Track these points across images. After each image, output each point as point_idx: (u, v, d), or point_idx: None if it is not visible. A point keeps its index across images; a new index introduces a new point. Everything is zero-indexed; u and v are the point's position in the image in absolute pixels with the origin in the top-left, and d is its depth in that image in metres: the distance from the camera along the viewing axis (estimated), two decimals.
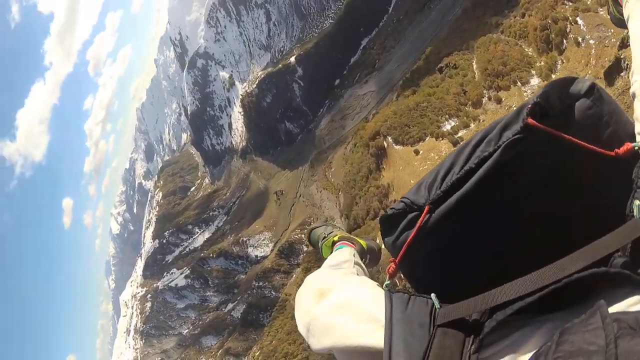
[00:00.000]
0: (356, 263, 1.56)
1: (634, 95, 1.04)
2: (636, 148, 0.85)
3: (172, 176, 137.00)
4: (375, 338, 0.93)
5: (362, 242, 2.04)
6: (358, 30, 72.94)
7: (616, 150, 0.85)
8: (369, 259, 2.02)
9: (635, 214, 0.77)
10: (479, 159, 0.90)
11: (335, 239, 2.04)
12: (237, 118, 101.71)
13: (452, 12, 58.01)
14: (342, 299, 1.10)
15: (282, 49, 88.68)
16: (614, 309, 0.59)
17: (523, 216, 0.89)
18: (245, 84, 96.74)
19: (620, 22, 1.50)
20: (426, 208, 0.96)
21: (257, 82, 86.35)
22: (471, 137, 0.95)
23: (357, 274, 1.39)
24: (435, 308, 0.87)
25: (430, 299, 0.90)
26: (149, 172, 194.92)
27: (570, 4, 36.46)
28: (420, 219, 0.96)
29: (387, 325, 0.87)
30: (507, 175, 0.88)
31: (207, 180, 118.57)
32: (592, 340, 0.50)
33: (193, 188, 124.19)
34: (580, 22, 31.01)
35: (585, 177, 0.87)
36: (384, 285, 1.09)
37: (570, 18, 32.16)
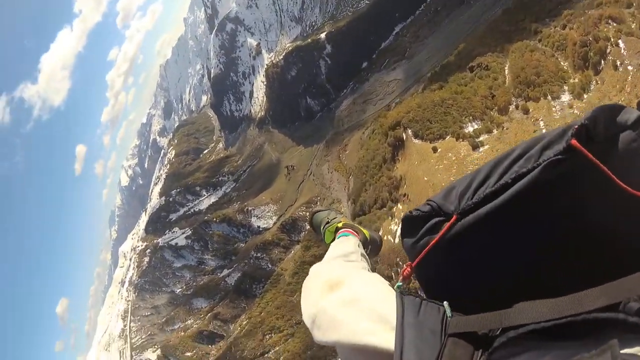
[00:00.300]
0: (362, 255, 1.56)
1: None
2: None
3: (187, 136, 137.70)
4: (383, 338, 0.92)
5: (365, 231, 2.03)
6: (393, 15, 71.41)
7: None
8: (370, 250, 2.01)
9: None
10: (516, 174, 0.87)
11: (339, 225, 2.02)
12: (259, 87, 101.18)
13: (492, 11, 56.64)
14: (353, 294, 1.09)
15: (313, 23, 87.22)
16: (624, 351, 0.59)
17: (549, 239, 0.86)
18: (272, 54, 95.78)
19: None
20: (454, 217, 0.95)
21: (284, 54, 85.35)
22: (511, 150, 0.93)
23: (365, 266, 1.40)
24: (447, 316, 0.88)
25: (442, 306, 0.90)
26: (164, 129, 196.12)
27: (615, 24, 35.30)
28: (447, 226, 0.95)
29: (398, 328, 0.87)
30: (541, 196, 0.86)
31: (221, 145, 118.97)
32: None
33: (206, 151, 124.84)
34: (621, 45, 30.58)
35: (618, 212, 0.84)
36: (395, 287, 1.08)
37: (613, 39, 31.51)
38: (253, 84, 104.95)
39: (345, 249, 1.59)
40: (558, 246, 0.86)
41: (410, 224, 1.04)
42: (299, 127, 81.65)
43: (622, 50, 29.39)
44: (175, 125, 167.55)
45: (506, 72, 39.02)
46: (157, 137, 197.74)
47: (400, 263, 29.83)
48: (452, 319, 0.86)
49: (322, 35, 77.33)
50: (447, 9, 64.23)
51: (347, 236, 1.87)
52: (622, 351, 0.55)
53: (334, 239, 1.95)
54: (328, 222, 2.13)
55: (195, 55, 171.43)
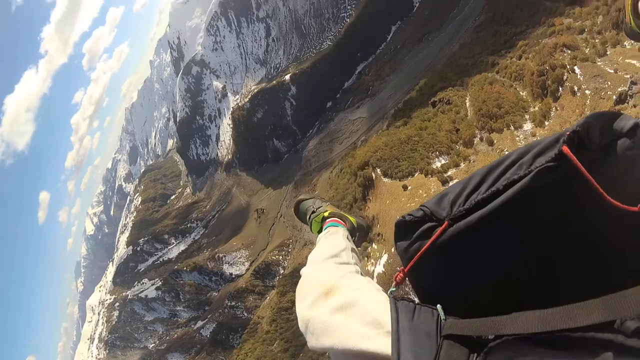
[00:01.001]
0: (352, 250, 1.60)
1: None
2: None
3: (154, 182, 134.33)
4: (378, 343, 0.93)
5: (352, 219, 2.01)
6: (355, 55, 73.16)
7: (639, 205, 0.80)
8: (358, 237, 2.00)
9: None
10: (507, 181, 0.88)
11: (326, 214, 1.98)
12: (225, 130, 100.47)
13: (450, 46, 58.65)
14: (347, 300, 1.10)
15: (278, 65, 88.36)
16: None
17: (541, 245, 0.87)
18: (237, 96, 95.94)
19: (637, 36, 1.50)
20: (446, 222, 0.95)
21: (249, 97, 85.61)
22: (504, 157, 0.94)
23: (358, 267, 1.41)
24: (441, 319, 0.90)
25: (436, 309, 0.92)
26: (130, 175, 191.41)
27: (569, 51, 36.77)
28: (439, 231, 0.96)
29: (394, 332, 0.89)
30: (532, 203, 0.86)
31: (188, 190, 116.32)
32: None
33: (173, 196, 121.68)
34: (577, 71, 31.16)
35: (608, 225, 0.83)
36: (389, 292, 1.10)
37: (568, 66, 32.32)
38: (219, 127, 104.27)
39: (335, 247, 1.56)
40: (547, 254, 0.86)
41: (403, 229, 1.05)
42: (267, 169, 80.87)
43: (579, 76, 30.27)
44: (142, 171, 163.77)
45: (468, 105, 39.80)
46: (123, 183, 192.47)
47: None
48: (447, 321, 0.88)
49: (287, 77, 78.23)
50: (407, 47, 66.24)
51: (336, 226, 1.84)
52: None
53: (321, 229, 1.91)
54: (314, 212, 2.06)
55: (161, 98, 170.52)
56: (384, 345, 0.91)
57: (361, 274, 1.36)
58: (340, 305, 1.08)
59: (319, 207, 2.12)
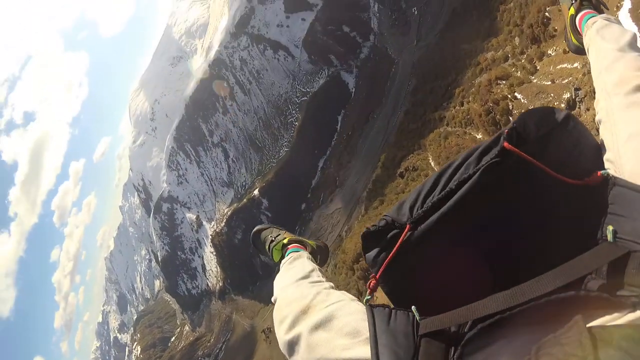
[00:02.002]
0: (319, 270, 1.62)
1: (599, 122, 1.10)
2: (605, 175, 0.91)
3: (150, 327, 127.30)
4: (358, 351, 0.97)
5: (311, 242, 2.05)
6: (313, 152, 75.45)
7: (586, 179, 0.91)
8: (320, 259, 2.03)
9: (608, 237, 0.80)
10: (458, 180, 0.95)
11: (285, 241, 2.01)
12: (209, 259, 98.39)
13: (395, 116, 61.02)
14: (325, 315, 1.13)
15: (244, 183, 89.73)
16: (590, 324, 0.63)
17: (501, 236, 0.93)
18: (213, 223, 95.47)
19: (579, 50, 1.61)
20: (407, 226, 1.00)
21: (225, 220, 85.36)
22: (452, 160, 1.00)
23: (332, 285, 1.43)
24: (417, 320, 0.93)
25: (411, 312, 0.95)
26: (123, 325, 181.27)
27: (504, 82, 38.72)
28: (402, 236, 1.01)
29: (372, 337, 0.92)
30: (485, 197, 0.93)
31: (187, 328, 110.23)
32: (571, 352, 0.53)
33: (173, 338, 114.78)
34: (519, 96, 32.56)
35: (560, 202, 0.91)
36: (364, 300, 1.14)
37: (509, 95, 33.63)
38: (203, 257, 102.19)
39: (304, 269, 1.58)
40: (508, 241, 0.92)
41: (369, 240, 1.09)
42: (262, 286, 78.27)
43: (522, 100, 31.27)
44: (134, 318, 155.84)
45: (432, 164, 40.38)
46: (118, 335, 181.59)
47: None
48: (422, 321, 0.91)
49: (256, 192, 79.17)
50: (357, 130, 69.11)
51: (298, 252, 1.86)
52: (588, 325, 0.58)
53: (282, 256, 1.93)
54: (273, 241, 2.08)
55: (138, 241, 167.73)
56: (364, 352, 0.94)
57: (331, 286, 1.38)
58: (318, 321, 1.11)
59: (277, 236, 2.11)
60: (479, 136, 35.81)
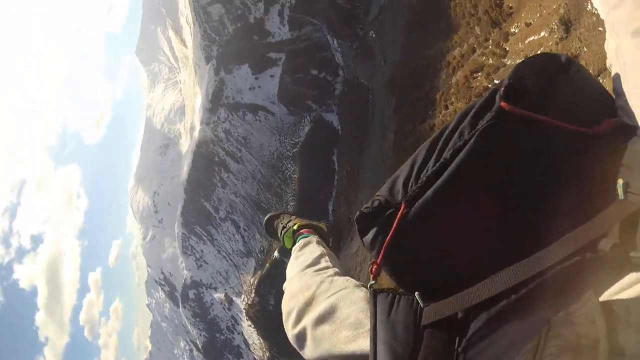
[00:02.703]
0: (328, 254, 1.62)
1: (610, 66, 1.03)
2: (619, 122, 0.82)
3: None
4: (361, 344, 0.96)
5: (322, 225, 2.05)
6: (319, 199, 74.30)
7: (595, 127, 0.81)
8: (332, 241, 2.01)
9: (619, 192, 0.74)
10: (452, 149, 0.86)
11: (295, 227, 2.03)
12: (249, 332, 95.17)
13: (387, 140, 59.93)
14: (328, 307, 1.12)
15: (261, 248, 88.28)
16: (603, 297, 0.58)
17: (506, 205, 0.83)
18: (243, 296, 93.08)
19: None
20: (403, 204, 0.93)
21: (253, 291, 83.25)
22: (443, 128, 0.92)
23: (337, 271, 1.37)
24: (420, 307, 0.88)
25: (415, 297, 0.90)
26: None
27: (479, 73, 38.07)
28: (398, 215, 0.93)
29: (372, 330, 0.89)
30: (483, 165, 0.84)
31: None
32: (583, 333, 0.49)
33: None
34: (498, 82, 31.42)
35: (567, 159, 0.82)
36: (368, 285, 1.06)
37: (490, 85, 33.10)
38: (242, 333, 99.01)
39: (310, 256, 1.56)
40: (513, 210, 0.82)
41: (364, 222, 1.02)
42: None
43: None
44: None
45: None
46: None
47: None
48: (426, 308, 0.86)
49: (276, 254, 77.63)
50: (355, 163, 68.98)
51: (307, 237, 1.87)
52: (601, 297, 0.55)
53: (294, 243, 1.95)
54: (284, 227, 2.09)
55: (173, 334, 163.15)
56: (367, 344, 0.90)
57: (338, 271, 1.33)
58: (321, 313, 1.10)
59: (288, 222, 2.09)
60: None
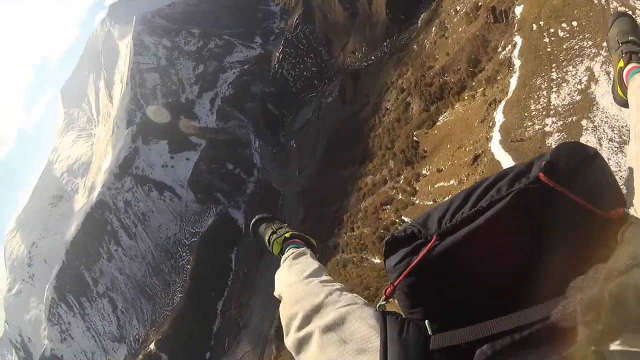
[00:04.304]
0: (324, 267, 1.63)
1: (629, 167, 1.11)
2: (625, 212, 0.92)
3: None
4: (369, 358, 0.97)
5: (313, 240, 2.01)
6: (210, 295, 68.26)
7: (610, 213, 0.91)
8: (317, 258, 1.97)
9: None
10: (490, 200, 0.94)
11: (287, 235, 1.97)
12: None
13: None
14: (337, 317, 1.13)
15: (137, 336, 77.74)
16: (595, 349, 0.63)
17: (523, 258, 0.92)
18: None
19: (624, 103, 1.60)
20: (434, 237, 0.98)
21: None
22: (483, 180, 1.00)
23: (344, 287, 1.40)
24: (429, 334, 0.92)
25: (424, 324, 0.94)
26: None
27: (389, 206, 37.64)
28: (428, 246, 0.98)
29: (382, 345, 0.92)
30: (514, 219, 0.93)
31: None
32: None
33: None
34: (406, 219, 32.50)
35: (583, 230, 0.92)
36: (377, 306, 1.10)
37: (397, 220, 33.84)
38: None
39: (311, 266, 1.55)
40: (530, 262, 0.92)
41: (393, 246, 1.05)
42: None
43: (408, 222, 31.99)
44: None
45: None
46: None
47: None
48: (434, 336, 0.90)
49: (152, 346, 69.02)
50: (253, 266, 64.50)
51: (299, 248, 1.83)
52: (593, 348, 0.58)
53: (281, 250, 1.91)
54: (274, 232, 2.02)
55: None
56: (374, 359, 0.93)
57: (340, 286, 1.35)
58: (330, 322, 1.10)
59: (279, 228, 2.02)
60: (377, 261, 35.35)
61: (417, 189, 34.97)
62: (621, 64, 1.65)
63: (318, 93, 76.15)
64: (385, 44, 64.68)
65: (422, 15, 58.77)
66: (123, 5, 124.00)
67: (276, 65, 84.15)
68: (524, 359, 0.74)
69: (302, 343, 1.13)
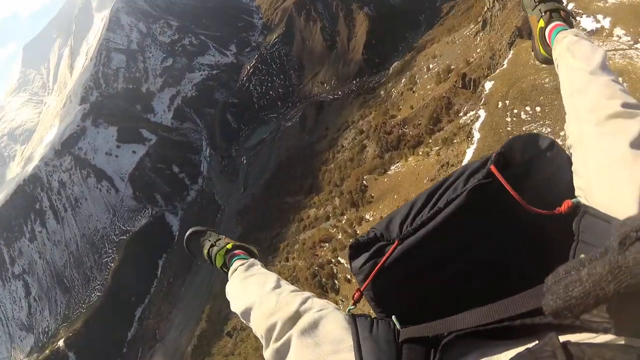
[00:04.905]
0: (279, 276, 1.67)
1: (570, 147, 1.09)
2: (576, 204, 0.89)
3: None
4: (344, 357, 0.98)
5: (254, 249, 1.94)
6: (129, 300, 64.54)
7: (557, 209, 0.89)
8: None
9: None
10: (447, 200, 0.96)
11: (229, 247, 1.87)
12: None
13: (216, 268, 55.50)
14: (312, 322, 1.14)
15: (46, 329, 72.20)
16: (564, 341, 0.62)
17: (482, 255, 0.95)
18: None
19: (547, 61, 1.58)
20: (396, 242, 1.01)
21: None
22: (443, 180, 1.02)
23: (313, 294, 1.39)
24: (397, 328, 0.94)
25: (392, 321, 0.97)
26: None
27: (327, 244, 36.70)
28: (390, 250, 1.01)
29: (355, 343, 0.94)
30: (469, 218, 0.94)
31: None
32: None
33: None
34: (342, 260, 32.17)
35: (535, 227, 0.92)
36: (347, 310, 1.13)
37: (333, 260, 33.67)
38: None
39: (270, 278, 1.48)
40: (487, 258, 0.94)
41: (357, 250, 1.09)
42: None
43: (346, 264, 30.66)
44: None
45: None
46: None
47: None
48: (403, 329, 0.93)
49: (61, 343, 64.24)
50: (180, 278, 61.47)
51: (246, 259, 1.74)
52: (563, 340, 0.58)
53: (224, 263, 1.82)
54: (213, 245, 1.91)
55: None
56: (349, 358, 0.95)
57: (316, 297, 1.34)
58: (305, 327, 1.11)
59: (217, 240, 1.90)
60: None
61: (358, 232, 34.43)
62: (541, 23, 1.57)
63: (279, 115, 74.74)
64: (355, 82, 64.46)
65: (395, 64, 59.15)
66: None
67: (244, 78, 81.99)
68: (488, 348, 0.76)
69: (280, 352, 1.13)
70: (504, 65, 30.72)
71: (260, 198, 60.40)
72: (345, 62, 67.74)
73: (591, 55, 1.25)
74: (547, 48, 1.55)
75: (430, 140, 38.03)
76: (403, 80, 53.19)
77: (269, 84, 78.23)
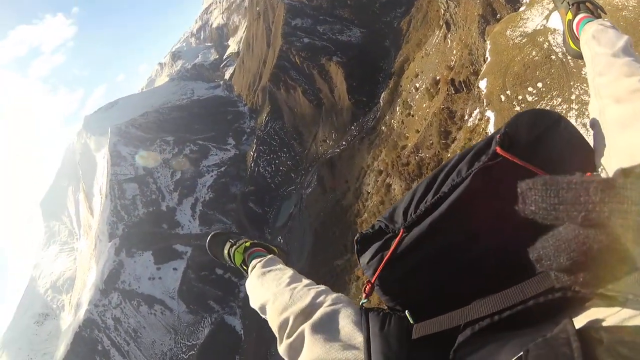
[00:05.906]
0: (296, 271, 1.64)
1: (592, 126, 1.05)
2: (596, 175, 0.82)
3: None
4: (354, 353, 0.96)
5: (274, 247, 1.91)
6: None
7: None
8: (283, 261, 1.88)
9: None
10: (451, 185, 0.90)
11: (247, 245, 1.86)
12: None
13: None
14: (324, 317, 1.12)
15: None
16: (580, 327, 0.59)
17: (493, 240, 0.88)
18: None
19: (577, 55, 1.52)
20: (401, 231, 0.96)
21: None
22: (444, 164, 0.96)
23: (327, 288, 1.38)
24: (411, 323, 0.90)
25: (405, 315, 0.92)
26: None
27: None
28: (396, 240, 0.96)
29: (365, 341, 0.90)
30: (477, 201, 0.88)
31: None
32: (562, 352, 0.50)
33: None
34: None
35: None
36: (360, 304, 1.08)
37: None
38: None
39: (286, 273, 1.46)
40: (499, 243, 0.87)
41: (363, 243, 1.05)
42: None
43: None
44: None
45: None
46: None
47: None
48: (415, 325, 0.89)
49: None
50: None
51: (264, 256, 1.72)
52: (578, 327, 0.55)
53: (243, 260, 1.80)
54: (233, 244, 1.90)
55: None
56: (359, 354, 0.92)
57: (330, 291, 1.32)
58: (317, 322, 1.09)
59: (237, 240, 1.90)
60: None
61: None
62: (569, 16, 1.55)
63: (297, 185, 75.12)
64: (353, 127, 64.81)
65: (382, 95, 59.22)
66: (98, 117, 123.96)
67: (252, 164, 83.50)
68: (504, 340, 0.71)
69: (294, 347, 1.10)
70: (488, 58, 30.22)
71: (309, 270, 59.47)
72: (337, 113, 68.68)
73: (615, 41, 1.22)
74: (576, 41, 1.55)
75: (448, 154, 37.50)
76: (397, 108, 53.13)
77: (277, 161, 79.67)
